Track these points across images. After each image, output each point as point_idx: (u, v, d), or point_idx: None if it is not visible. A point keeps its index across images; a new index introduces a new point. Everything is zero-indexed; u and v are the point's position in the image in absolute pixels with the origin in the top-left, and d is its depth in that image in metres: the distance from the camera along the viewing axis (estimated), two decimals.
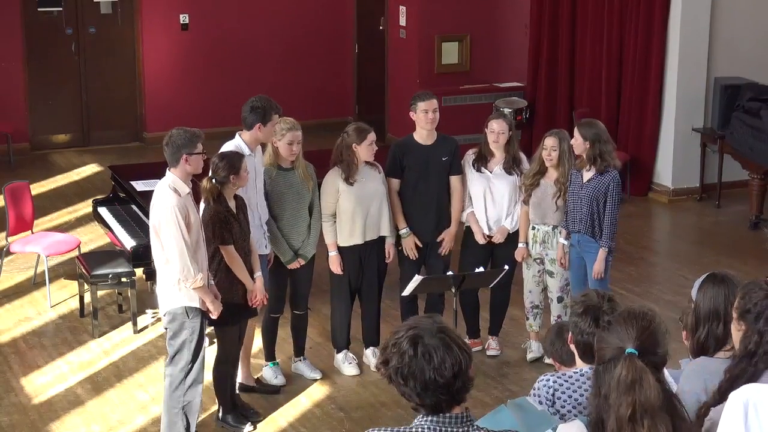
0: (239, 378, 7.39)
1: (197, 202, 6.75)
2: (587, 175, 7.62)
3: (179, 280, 6.34)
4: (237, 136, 7.27)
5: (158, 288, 6.58)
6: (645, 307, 3.54)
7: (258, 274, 7.01)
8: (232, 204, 6.86)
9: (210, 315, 6.55)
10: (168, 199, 6.30)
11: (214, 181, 6.77)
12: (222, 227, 6.74)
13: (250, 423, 7.12)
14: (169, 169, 6.41)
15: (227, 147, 7.16)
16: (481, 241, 7.89)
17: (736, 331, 3.97)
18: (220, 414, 7.14)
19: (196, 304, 6.45)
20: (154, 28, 14.23)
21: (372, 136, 7.54)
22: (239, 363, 7.29)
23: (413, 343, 3.17)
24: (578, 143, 7.58)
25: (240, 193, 7.01)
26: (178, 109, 14.08)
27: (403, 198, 7.81)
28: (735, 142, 11.35)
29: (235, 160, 6.81)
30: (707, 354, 4.16)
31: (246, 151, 7.15)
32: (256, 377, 7.65)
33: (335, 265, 7.65)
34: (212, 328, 7.98)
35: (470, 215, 7.95)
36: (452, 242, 7.91)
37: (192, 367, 6.51)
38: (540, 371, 7.40)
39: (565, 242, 7.73)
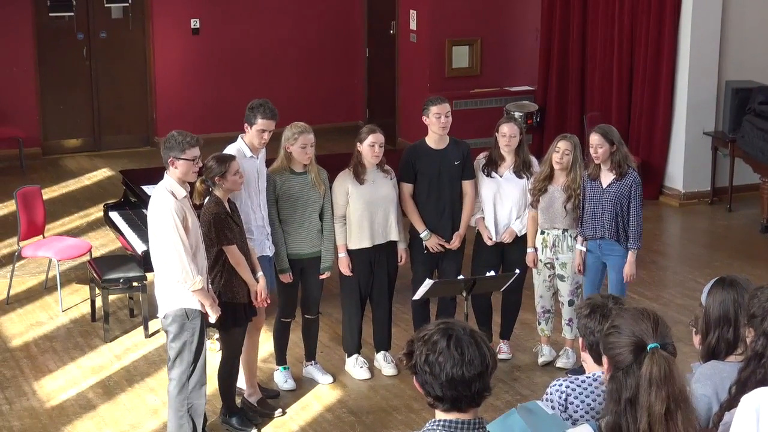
0: (246, 395, 7.33)
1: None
2: (606, 179, 7.57)
3: (178, 282, 6.32)
4: (239, 138, 7.30)
5: (157, 291, 6.53)
6: (638, 306, 3.55)
7: (260, 273, 7.02)
8: (227, 206, 6.86)
9: (208, 319, 6.54)
10: (165, 202, 6.29)
11: (207, 183, 6.78)
12: (224, 227, 6.74)
13: (254, 427, 7.11)
14: (166, 172, 6.41)
15: (229, 149, 7.21)
16: (488, 242, 7.88)
17: (749, 337, 3.98)
18: (225, 416, 7.13)
19: (197, 306, 6.43)
20: (166, 32, 14.26)
21: (373, 138, 7.48)
22: (245, 378, 7.29)
23: (446, 335, 3.20)
24: (604, 149, 7.49)
25: (242, 195, 7.05)
26: (190, 113, 14.12)
27: (416, 203, 7.80)
28: (746, 146, 11.33)
29: (222, 162, 6.80)
30: (718, 358, 4.16)
31: (247, 153, 7.18)
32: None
33: (344, 267, 7.65)
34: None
35: (479, 221, 7.93)
36: (461, 241, 7.90)
37: (194, 369, 6.50)
38: (551, 375, 7.41)
39: (583, 248, 7.70)
